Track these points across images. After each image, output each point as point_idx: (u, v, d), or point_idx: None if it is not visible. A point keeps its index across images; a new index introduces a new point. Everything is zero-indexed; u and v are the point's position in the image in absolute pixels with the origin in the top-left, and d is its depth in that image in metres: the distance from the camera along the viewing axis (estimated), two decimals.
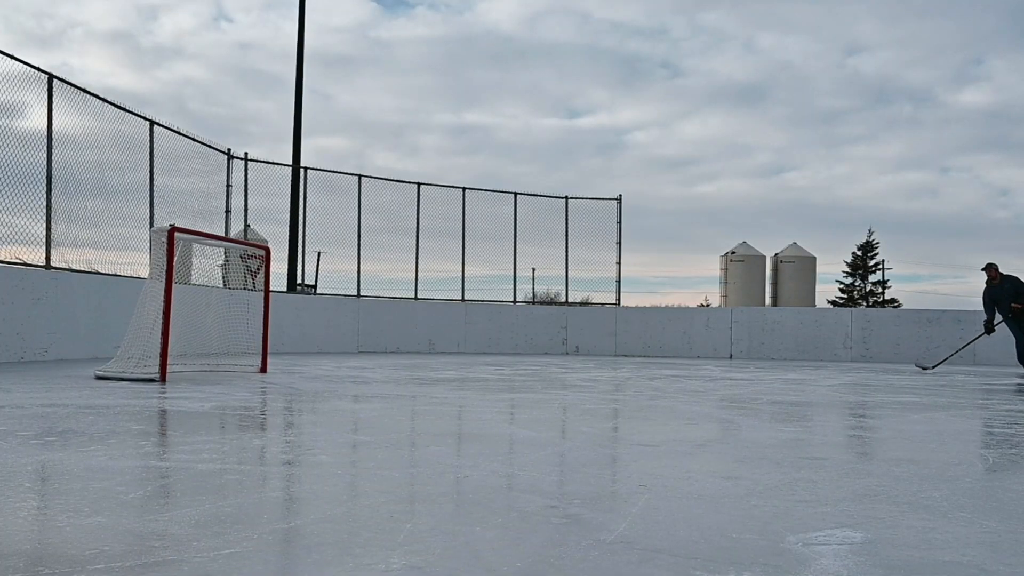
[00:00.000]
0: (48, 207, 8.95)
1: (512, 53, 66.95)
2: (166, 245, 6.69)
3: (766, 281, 25.90)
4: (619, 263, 16.11)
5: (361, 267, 14.48)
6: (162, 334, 6.46)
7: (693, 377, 8.50)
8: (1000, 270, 10.88)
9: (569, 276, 16.11)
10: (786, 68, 64.08)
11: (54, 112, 9.14)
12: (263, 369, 7.79)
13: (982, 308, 11.03)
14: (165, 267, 6.63)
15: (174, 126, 11.57)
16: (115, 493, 2.29)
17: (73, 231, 9.50)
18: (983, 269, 10.88)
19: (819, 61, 63.48)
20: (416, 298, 15.01)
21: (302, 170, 14.22)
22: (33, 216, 8.83)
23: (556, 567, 1.67)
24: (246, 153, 13.45)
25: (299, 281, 14.32)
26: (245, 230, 13.45)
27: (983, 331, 11.10)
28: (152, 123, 11.06)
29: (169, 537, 1.83)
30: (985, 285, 10.89)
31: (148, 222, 10.72)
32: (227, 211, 13.14)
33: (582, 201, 16.20)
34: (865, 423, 4.62)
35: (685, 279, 72.03)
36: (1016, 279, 10.78)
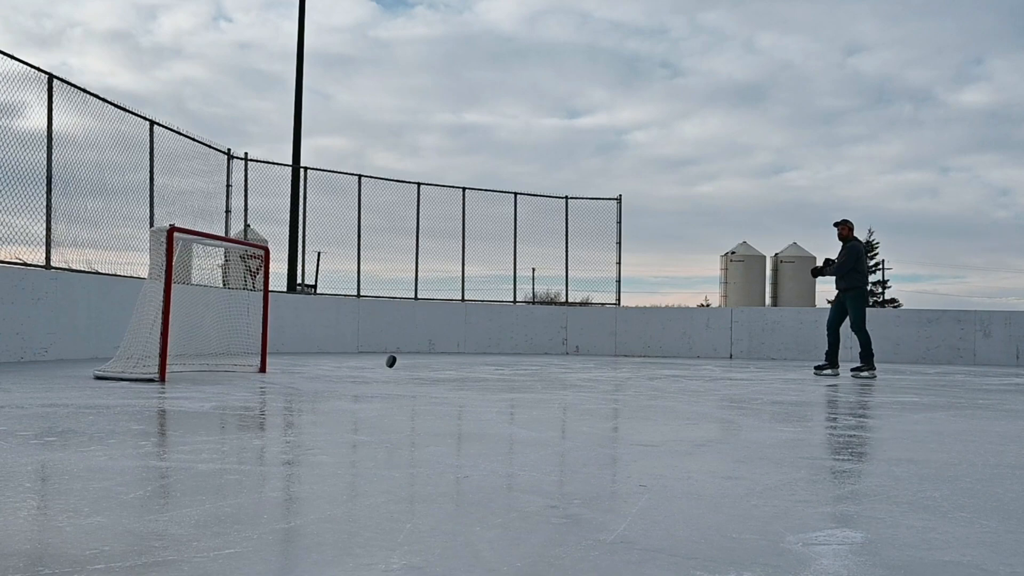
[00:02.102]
0: (48, 207, 8.96)
1: (512, 53, 67.03)
2: (165, 245, 6.69)
3: (766, 281, 25.92)
4: (619, 263, 16.12)
5: (361, 267, 14.49)
6: (161, 334, 6.46)
7: (693, 377, 8.50)
8: (854, 232, 9.59)
9: (569, 276, 16.12)
10: (786, 68, 64.18)
11: (54, 112, 9.14)
12: (262, 369, 7.79)
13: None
14: (164, 267, 6.62)
15: (174, 126, 11.59)
16: (115, 493, 2.29)
17: (73, 231, 9.51)
18: (836, 224, 9.69)
19: (819, 61, 63.59)
20: (416, 298, 15.01)
21: (302, 170, 14.23)
22: (33, 216, 8.83)
23: (556, 567, 1.67)
24: (246, 153, 13.46)
25: (299, 281, 14.32)
26: (245, 230, 13.45)
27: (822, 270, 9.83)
28: (152, 123, 11.07)
29: (169, 537, 1.83)
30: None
31: (148, 222, 10.72)
32: (227, 211, 13.14)
33: (582, 201, 16.20)
34: (865, 423, 4.62)
35: (685, 279, 72.16)
36: (848, 247, 9.44)
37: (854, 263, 9.44)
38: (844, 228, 9.66)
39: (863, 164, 67.91)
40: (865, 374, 9.25)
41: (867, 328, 9.46)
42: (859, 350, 9.39)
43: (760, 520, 2.10)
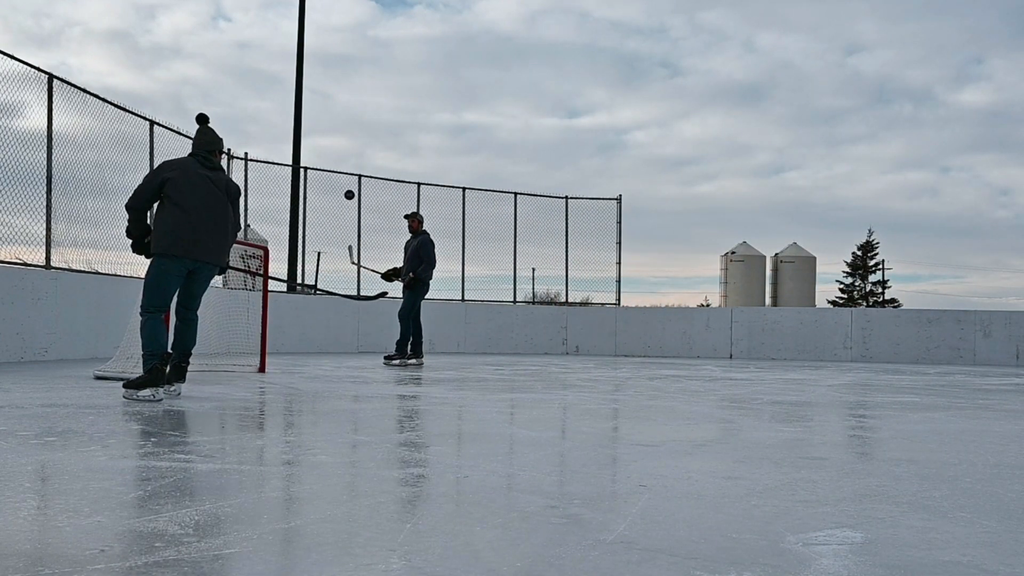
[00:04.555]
0: (48, 207, 8.95)
1: (511, 52, 67.11)
2: None
3: (766, 281, 25.95)
4: (619, 263, 16.10)
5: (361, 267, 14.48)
6: None
7: (693, 377, 8.49)
8: (423, 225, 10.00)
9: (569, 276, 16.11)
10: (786, 67, 64.25)
11: (54, 112, 9.14)
12: (262, 369, 7.79)
13: None
14: None
15: (174, 126, 11.57)
16: (115, 493, 2.29)
17: (73, 231, 9.50)
18: (406, 217, 10.08)
19: (819, 61, 63.64)
20: None
21: (302, 170, 14.22)
22: (33, 216, 8.82)
23: (556, 567, 1.67)
24: (246, 153, 13.45)
25: (299, 281, 14.31)
26: (245, 230, 13.45)
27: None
28: (152, 123, 11.05)
29: (169, 537, 1.83)
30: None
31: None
32: None
33: (582, 201, 16.19)
34: (865, 423, 4.62)
35: (685, 279, 72.06)
36: (425, 240, 9.83)
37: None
38: (415, 222, 10.04)
39: (863, 164, 67.88)
40: (396, 362, 9.53)
41: (410, 320, 9.75)
42: (398, 338, 9.74)
43: (760, 520, 2.10)
